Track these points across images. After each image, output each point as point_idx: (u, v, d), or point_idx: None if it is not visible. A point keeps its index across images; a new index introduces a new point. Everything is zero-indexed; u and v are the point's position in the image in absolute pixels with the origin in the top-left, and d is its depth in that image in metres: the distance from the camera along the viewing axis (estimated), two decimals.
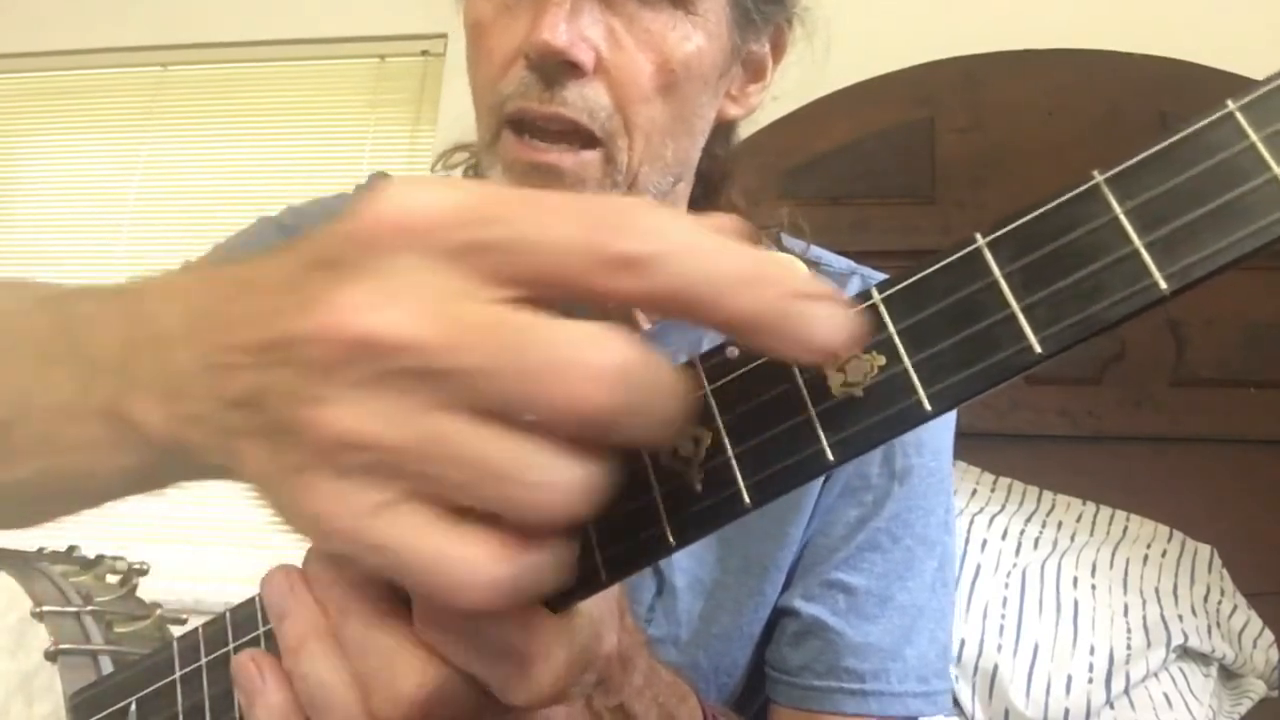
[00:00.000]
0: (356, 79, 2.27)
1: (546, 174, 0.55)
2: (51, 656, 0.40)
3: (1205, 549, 1.46)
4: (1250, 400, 1.58)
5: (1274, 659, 1.38)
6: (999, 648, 1.29)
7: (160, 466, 0.32)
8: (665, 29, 0.55)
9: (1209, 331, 1.60)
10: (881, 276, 0.69)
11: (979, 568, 1.37)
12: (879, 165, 1.79)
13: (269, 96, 2.33)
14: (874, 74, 1.82)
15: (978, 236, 0.26)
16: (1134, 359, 1.62)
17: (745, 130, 1.97)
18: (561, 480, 0.23)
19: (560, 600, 0.30)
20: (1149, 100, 1.71)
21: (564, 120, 0.54)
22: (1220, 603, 1.39)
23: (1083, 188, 0.25)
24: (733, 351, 0.29)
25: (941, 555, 0.64)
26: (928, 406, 0.26)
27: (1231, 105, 0.24)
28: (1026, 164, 1.74)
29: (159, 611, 0.43)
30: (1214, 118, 0.24)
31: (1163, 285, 0.24)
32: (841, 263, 0.71)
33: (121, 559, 0.46)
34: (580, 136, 0.55)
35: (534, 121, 0.55)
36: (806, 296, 0.24)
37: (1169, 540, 1.46)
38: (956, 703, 1.30)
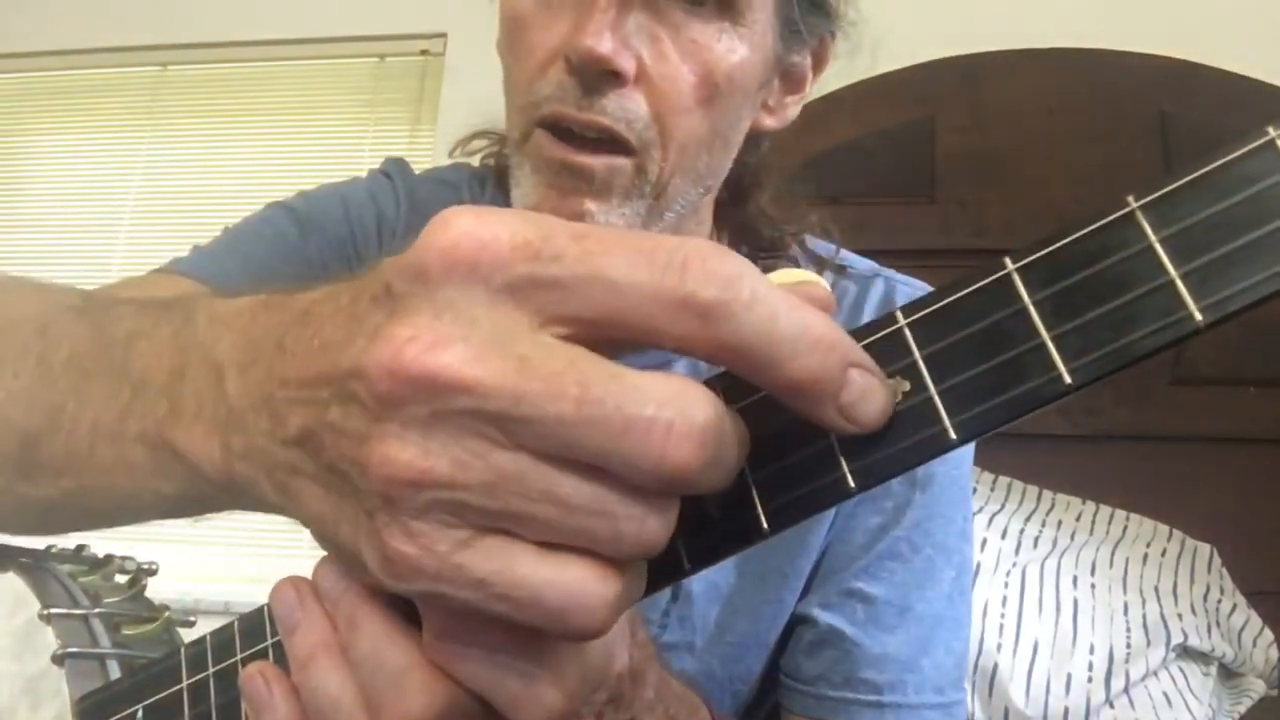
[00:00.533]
0: (356, 79, 2.27)
1: (577, 175, 0.54)
2: (59, 660, 0.40)
3: (1205, 548, 1.46)
4: (1250, 400, 1.58)
5: (1274, 658, 1.38)
6: (999, 646, 1.29)
7: (204, 497, 0.32)
8: (711, 40, 0.53)
9: (1209, 331, 1.60)
10: (904, 279, 0.68)
11: (979, 567, 1.37)
12: (879, 165, 1.79)
13: (268, 96, 2.32)
14: (874, 73, 1.82)
15: (1008, 262, 0.25)
16: None
17: None
18: (650, 526, 0.23)
19: None
20: (1149, 100, 1.71)
21: (601, 128, 0.53)
22: (1220, 602, 1.39)
23: (1117, 215, 0.24)
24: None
25: (960, 564, 0.63)
26: (953, 435, 0.25)
27: (1273, 133, 0.23)
28: (1026, 164, 1.74)
29: (167, 613, 0.43)
30: (1254, 145, 0.23)
31: (1198, 317, 0.23)
32: (864, 264, 0.70)
33: (130, 559, 0.46)
34: (615, 144, 0.54)
35: (569, 127, 0.53)
36: (863, 368, 0.24)
37: (1169, 539, 1.46)
38: None
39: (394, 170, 0.73)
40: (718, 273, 0.23)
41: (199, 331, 0.31)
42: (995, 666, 1.28)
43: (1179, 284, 0.23)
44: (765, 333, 0.23)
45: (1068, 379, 0.24)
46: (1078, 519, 1.48)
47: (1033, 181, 1.74)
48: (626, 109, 0.52)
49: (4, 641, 0.41)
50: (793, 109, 0.64)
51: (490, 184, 0.71)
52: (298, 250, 0.67)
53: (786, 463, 0.27)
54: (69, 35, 2.37)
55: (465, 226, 0.23)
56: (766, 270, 0.64)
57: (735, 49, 0.54)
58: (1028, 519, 1.47)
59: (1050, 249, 0.25)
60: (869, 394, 0.24)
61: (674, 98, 0.53)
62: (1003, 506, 1.48)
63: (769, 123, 0.63)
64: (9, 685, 0.40)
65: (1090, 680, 1.26)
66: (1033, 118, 1.75)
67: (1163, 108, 1.70)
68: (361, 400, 0.23)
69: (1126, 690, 1.26)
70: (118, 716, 0.39)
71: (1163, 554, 1.43)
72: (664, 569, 0.28)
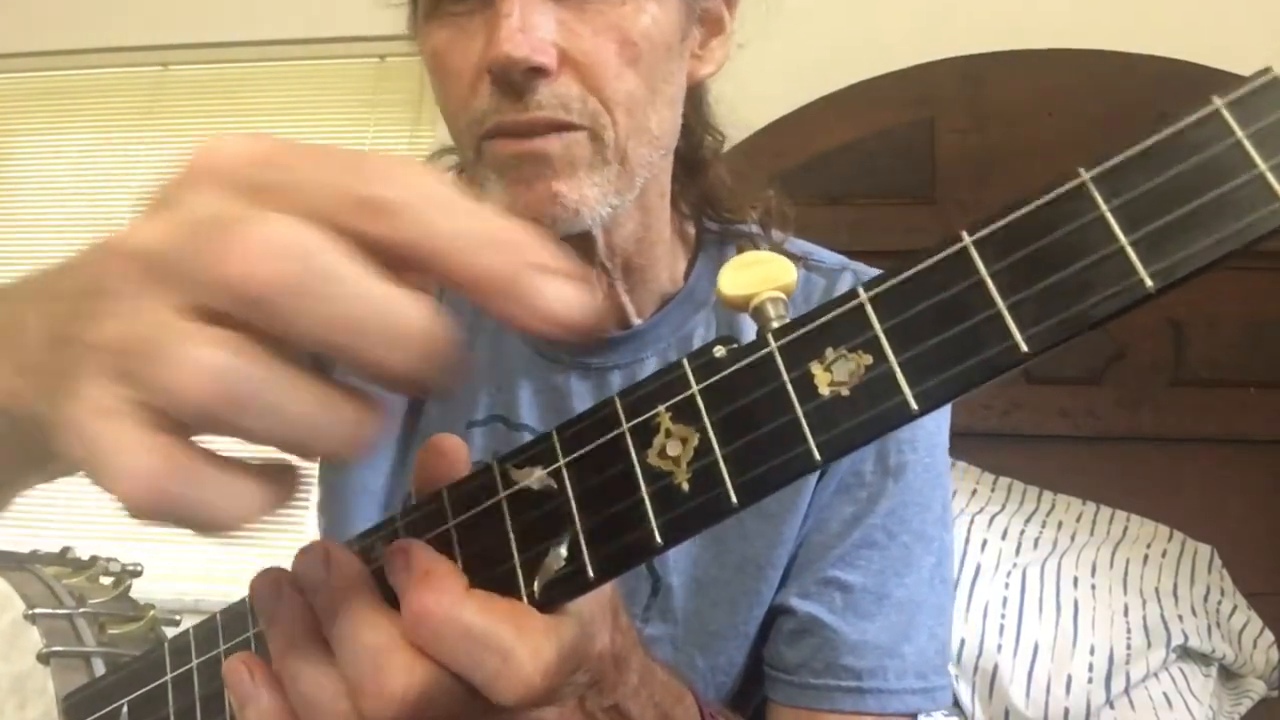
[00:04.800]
0: (356, 79, 2.27)
1: (536, 161, 0.55)
2: (44, 659, 0.40)
3: (1205, 549, 1.46)
4: (1250, 400, 1.58)
5: (1274, 659, 1.38)
6: (999, 647, 1.29)
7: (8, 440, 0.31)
8: (616, 7, 0.55)
9: (1209, 331, 1.60)
10: (874, 272, 0.69)
11: (979, 568, 1.37)
12: (879, 165, 1.79)
13: (269, 96, 2.33)
14: (874, 74, 1.82)
15: (964, 234, 0.26)
16: (1134, 359, 1.62)
17: (744, 132, 1.96)
18: (191, 358, 0.23)
19: (548, 598, 0.31)
20: (1149, 100, 1.71)
21: (543, 122, 0.54)
22: (1220, 603, 1.39)
23: (1068, 185, 0.25)
24: (719, 350, 0.30)
25: (939, 551, 0.64)
26: (914, 405, 0.26)
27: (1218, 102, 0.24)
28: (1026, 164, 1.74)
29: (152, 612, 0.43)
30: (1200, 115, 0.24)
31: (1148, 283, 0.24)
32: (833, 258, 0.70)
33: (115, 560, 0.46)
34: (558, 128, 0.55)
35: (513, 130, 0.55)
36: (546, 269, 0.25)
37: (1169, 540, 1.46)
38: (956, 702, 1.30)
39: None
40: (398, 176, 0.24)
41: (9, 299, 0.33)
42: (995, 667, 1.28)
43: (1129, 251, 0.24)
44: (443, 231, 0.24)
45: (1024, 346, 0.25)
46: (1078, 520, 1.48)
47: (1033, 182, 1.72)
48: (559, 95, 0.54)
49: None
50: (720, 51, 0.65)
51: None
52: None
53: (754, 436, 0.28)
54: (69, 35, 2.37)
55: (212, 142, 0.26)
56: (735, 253, 0.63)
57: (643, 8, 0.56)
58: (1028, 520, 1.47)
59: (1005, 220, 0.26)
60: (554, 291, 0.25)
61: (600, 68, 0.55)
62: (1003, 507, 1.48)
63: (703, 70, 0.64)
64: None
65: (1090, 681, 1.26)
66: (1033, 118, 1.75)
67: (1162, 108, 1.69)
68: (97, 289, 0.25)
69: (1127, 691, 1.27)
70: (103, 711, 0.39)
71: (1163, 555, 1.43)
72: (637, 545, 0.29)
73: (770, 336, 0.29)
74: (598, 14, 0.55)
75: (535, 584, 0.31)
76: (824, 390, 0.27)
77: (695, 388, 0.29)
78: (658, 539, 0.29)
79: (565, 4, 0.55)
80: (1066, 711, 1.26)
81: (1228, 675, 1.39)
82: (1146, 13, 1.78)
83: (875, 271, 0.68)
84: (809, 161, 1.81)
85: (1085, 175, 0.25)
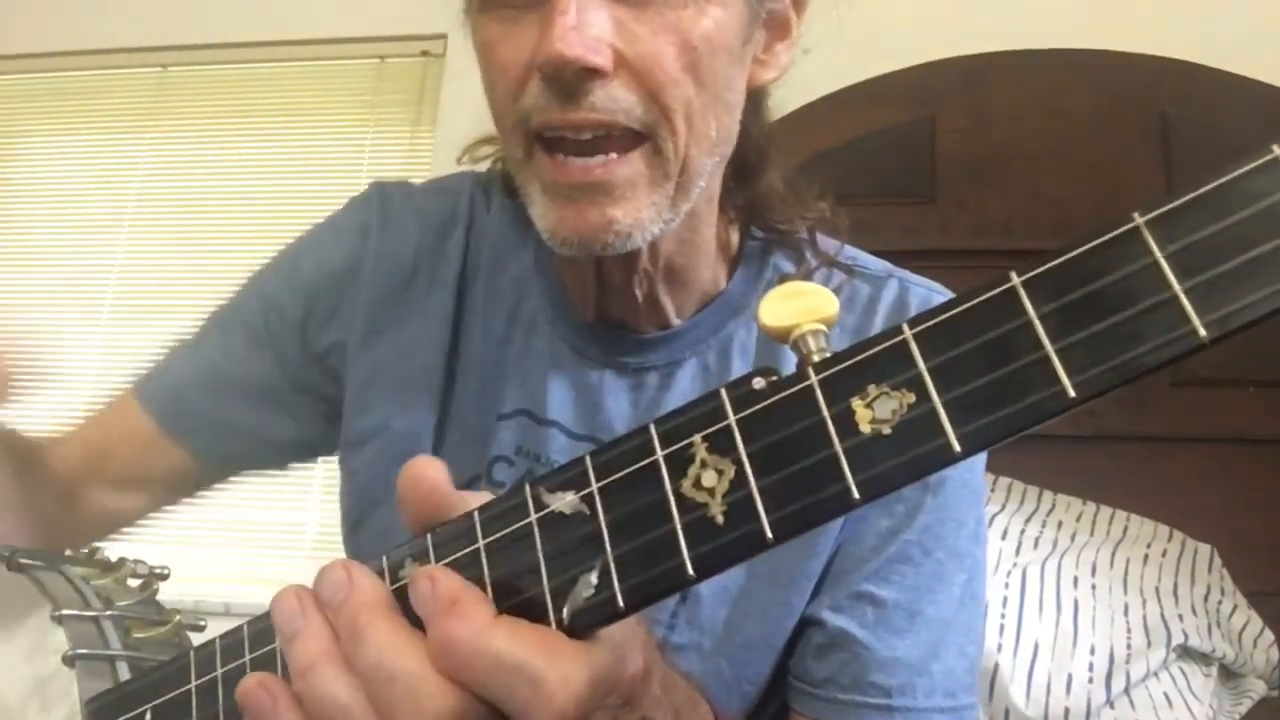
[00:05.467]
0: (356, 80, 2.27)
1: (594, 191, 0.53)
2: (69, 661, 0.39)
3: (1205, 549, 1.46)
4: (1250, 400, 1.58)
5: (1274, 658, 1.38)
6: (999, 647, 1.29)
7: None
8: (677, 9, 0.53)
9: (1214, 346, 1.60)
10: (919, 280, 0.67)
11: None
12: (879, 165, 1.79)
13: (269, 97, 2.33)
14: (874, 74, 1.82)
15: (1013, 275, 0.26)
16: None
17: None
18: None
19: (577, 625, 0.30)
20: (1149, 100, 1.71)
21: (594, 124, 0.52)
22: (1220, 602, 1.39)
23: (1122, 229, 0.25)
24: (759, 382, 0.29)
25: (972, 568, 0.62)
26: (956, 448, 0.26)
27: (1278, 150, 0.23)
28: (1026, 164, 1.74)
29: (178, 617, 0.43)
30: (1259, 163, 0.23)
31: (1202, 332, 0.23)
32: (878, 264, 0.69)
33: (143, 563, 0.46)
34: (617, 139, 0.53)
35: (563, 133, 0.53)
36: None
37: (1169, 540, 1.45)
38: None
39: (372, 195, 0.73)
40: None
41: None
42: (996, 667, 1.28)
43: (1183, 299, 0.23)
44: None
45: (1071, 392, 0.24)
46: (1078, 520, 1.48)
47: (1033, 182, 1.74)
48: (615, 99, 0.52)
49: (15, 643, 0.41)
50: (784, 56, 0.63)
51: (498, 190, 0.71)
52: (270, 342, 0.70)
53: (791, 471, 0.27)
54: (70, 37, 2.37)
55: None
56: (780, 258, 0.61)
57: (705, 11, 0.53)
58: (1028, 519, 1.47)
59: (1056, 262, 0.25)
60: None
61: (659, 73, 0.52)
62: (1003, 507, 1.48)
63: (765, 75, 0.62)
64: (19, 686, 0.40)
65: (1091, 681, 1.26)
66: (1033, 118, 1.75)
67: (1163, 108, 1.70)
68: None
69: (1127, 691, 1.26)
70: (126, 717, 0.39)
71: (1163, 554, 1.43)
72: (669, 575, 0.29)
73: (811, 370, 0.28)
74: (657, 15, 0.52)
75: (565, 610, 0.30)
76: (865, 428, 0.27)
77: (733, 418, 0.29)
78: (690, 571, 0.28)
79: (624, 3, 0.52)
80: (1067, 711, 1.25)
81: (1228, 675, 1.39)
82: (1146, 13, 1.78)
83: (919, 279, 0.68)
84: (809, 161, 1.80)
85: (1139, 219, 0.24)
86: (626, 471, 0.31)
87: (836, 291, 0.61)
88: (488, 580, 0.32)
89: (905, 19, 1.89)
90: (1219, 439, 1.57)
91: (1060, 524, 1.46)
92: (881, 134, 1.81)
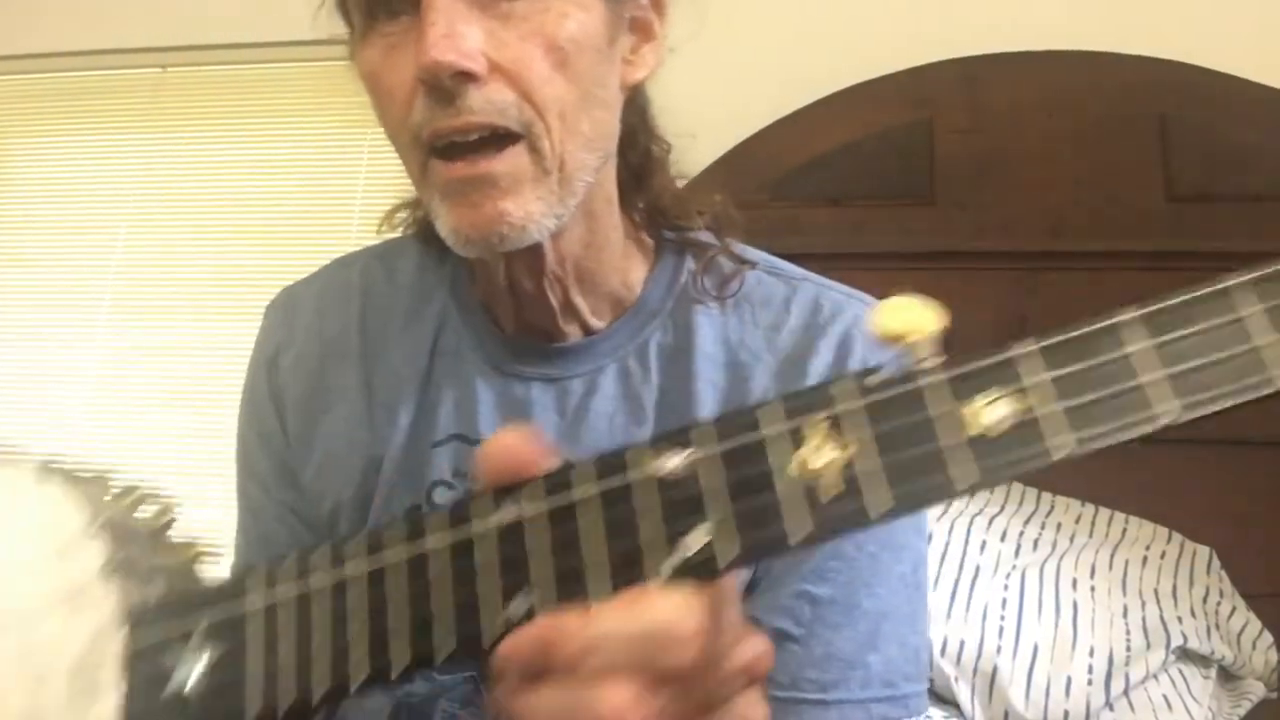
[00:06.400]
0: (356, 80, 2.27)
1: (482, 184, 0.56)
2: (108, 571, 0.38)
3: (1204, 550, 1.46)
4: (1250, 401, 1.57)
5: (1273, 660, 1.38)
6: (998, 649, 1.29)
7: None
8: (540, 14, 0.57)
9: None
10: (836, 286, 0.70)
11: (979, 569, 1.37)
12: (878, 166, 1.79)
13: (268, 98, 2.32)
14: (873, 74, 1.82)
15: (1130, 312, 0.29)
16: None
17: (745, 130, 1.95)
18: None
19: (675, 584, 0.32)
20: (1149, 101, 1.71)
21: (477, 126, 0.56)
22: (1219, 604, 1.39)
23: (1235, 281, 0.29)
24: (874, 379, 0.32)
25: (911, 559, 0.64)
26: (1060, 454, 0.29)
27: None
28: (1026, 165, 1.74)
29: (198, 547, 0.42)
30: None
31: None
32: (794, 270, 0.71)
33: (157, 491, 0.45)
34: (497, 139, 0.56)
35: (451, 138, 0.56)
36: None
37: (1168, 542, 1.45)
38: (956, 704, 1.30)
39: (276, 305, 0.77)
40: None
41: None
42: (995, 669, 1.28)
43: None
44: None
45: (1180, 416, 0.30)
46: (1077, 521, 1.48)
47: (1032, 183, 1.74)
48: (492, 100, 0.55)
49: (43, 550, 0.39)
50: (651, 57, 0.66)
51: (403, 253, 0.75)
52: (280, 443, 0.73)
53: (898, 458, 0.31)
54: (69, 37, 2.37)
55: None
56: (692, 263, 0.64)
57: (567, 14, 0.57)
58: (1027, 521, 1.46)
59: (1171, 303, 0.29)
60: None
61: (530, 74, 0.56)
62: (1002, 509, 1.48)
63: (635, 75, 0.65)
64: (46, 595, 0.38)
65: (1090, 683, 1.26)
66: (1033, 119, 1.75)
67: (1163, 109, 1.70)
68: None
69: (1126, 693, 1.26)
70: (176, 626, 0.37)
71: (1162, 556, 1.43)
72: (769, 542, 0.31)
73: (925, 372, 0.31)
74: (523, 21, 0.56)
75: (663, 568, 0.32)
76: (974, 428, 0.29)
77: (846, 405, 0.31)
78: (791, 538, 0.30)
79: (490, 13, 0.56)
80: (1066, 713, 1.25)
81: (1227, 677, 1.38)
82: (1146, 13, 1.78)
83: (832, 284, 0.70)
84: (809, 162, 1.81)
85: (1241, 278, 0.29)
86: (738, 440, 0.32)
87: (752, 290, 0.68)
88: (584, 534, 0.33)
89: (903, 20, 1.89)
90: (1219, 440, 1.57)
91: (1059, 526, 1.46)
92: (880, 136, 1.81)
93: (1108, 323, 0.29)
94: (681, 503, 0.32)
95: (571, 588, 0.32)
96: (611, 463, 0.34)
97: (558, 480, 0.34)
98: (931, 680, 1.34)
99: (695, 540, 0.31)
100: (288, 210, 2.24)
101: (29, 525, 0.40)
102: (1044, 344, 0.30)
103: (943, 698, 1.33)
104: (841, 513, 0.30)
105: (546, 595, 0.33)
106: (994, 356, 0.30)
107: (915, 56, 1.81)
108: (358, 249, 0.79)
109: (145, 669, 0.36)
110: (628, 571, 0.32)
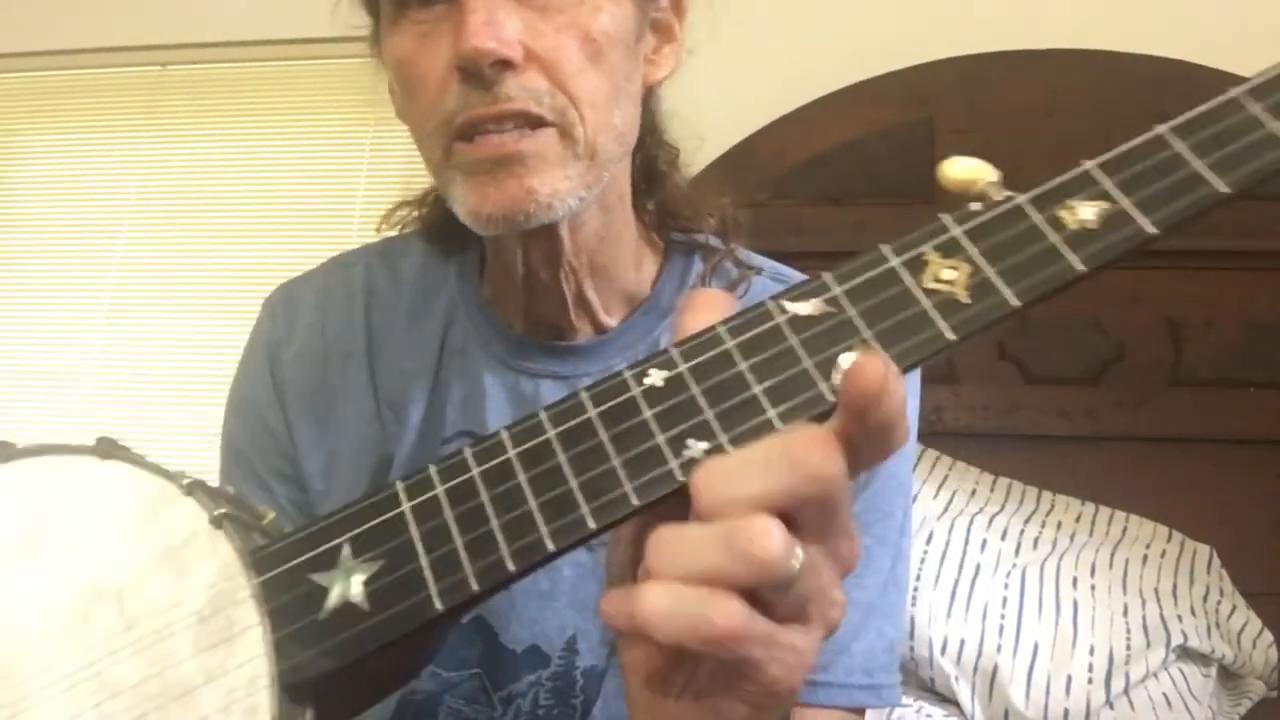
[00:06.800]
0: (356, 78, 2.26)
1: (510, 162, 0.57)
2: (217, 521, 0.38)
3: (1204, 549, 1.46)
4: (1250, 400, 1.58)
5: (1273, 659, 1.38)
6: (999, 648, 1.29)
7: None
8: (575, 6, 0.58)
9: (1208, 332, 1.60)
10: (784, 271, 0.73)
11: (979, 568, 1.37)
12: (879, 165, 1.79)
13: (268, 96, 2.32)
14: (874, 73, 1.82)
15: (1162, 127, 0.40)
16: (1133, 359, 1.62)
17: (747, 129, 1.94)
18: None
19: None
20: (1149, 100, 1.71)
21: (513, 114, 0.56)
22: (1220, 603, 1.39)
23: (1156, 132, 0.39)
24: (976, 205, 0.38)
25: (896, 556, 0.66)
26: (1150, 230, 0.35)
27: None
28: (1026, 164, 1.73)
29: (272, 514, 0.41)
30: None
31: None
32: (798, 276, 0.72)
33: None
34: (529, 122, 0.57)
35: (486, 125, 0.57)
36: None
37: (1168, 540, 1.45)
38: (956, 702, 1.30)
39: (274, 300, 0.77)
40: None
41: None
42: (995, 668, 1.28)
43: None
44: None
45: (1223, 189, 0.36)
46: (1077, 520, 1.48)
47: (1032, 183, 1.73)
48: (527, 88, 0.57)
49: (128, 520, 0.39)
50: (671, 58, 0.68)
51: (408, 249, 0.75)
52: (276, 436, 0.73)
53: (1017, 260, 0.37)
54: (68, 35, 2.37)
55: None
56: (700, 264, 0.75)
57: (601, 7, 0.59)
58: (1027, 520, 1.47)
59: (1207, 108, 0.40)
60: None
61: (565, 64, 0.58)
62: (1002, 507, 1.48)
63: (657, 74, 0.67)
64: (134, 565, 0.38)
65: (1090, 681, 1.26)
66: (1033, 118, 1.75)
67: (1163, 109, 1.69)
68: None
69: (1126, 692, 1.26)
70: (311, 547, 0.37)
71: (1162, 555, 1.43)
72: (927, 344, 0.35)
73: (1012, 196, 0.38)
74: (558, 12, 0.58)
75: (822, 385, 0.35)
76: (1072, 225, 0.36)
77: (959, 229, 0.37)
78: (948, 335, 0.35)
79: (527, 4, 0.57)
80: (1066, 712, 1.25)
81: (1227, 675, 1.39)
82: (1146, 13, 1.78)
83: (786, 271, 0.72)
84: (809, 161, 1.81)
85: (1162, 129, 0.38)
86: (867, 276, 0.37)
87: (757, 295, 0.67)
88: (744, 365, 0.36)
89: (903, 19, 1.88)
90: (1218, 439, 1.57)
91: (1060, 524, 1.46)
92: (880, 135, 1.81)
93: (1151, 135, 0.38)
94: (827, 332, 0.36)
95: (736, 422, 0.35)
96: (754, 315, 0.37)
97: (708, 338, 0.37)
98: (932, 679, 1.34)
99: (848, 357, 0.35)
100: (289, 208, 2.24)
101: (109, 498, 0.40)
102: (1102, 160, 0.37)
103: (943, 696, 1.33)
104: (983, 310, 0.35)
105: (714, 434, 0.35)
106: (1063, 176, 0.38)
107: (915, 55, 1.81)
108: (357, 248, 0.79)
109: (287, 599, 0.36)
110: (793, 396, 0.35)
